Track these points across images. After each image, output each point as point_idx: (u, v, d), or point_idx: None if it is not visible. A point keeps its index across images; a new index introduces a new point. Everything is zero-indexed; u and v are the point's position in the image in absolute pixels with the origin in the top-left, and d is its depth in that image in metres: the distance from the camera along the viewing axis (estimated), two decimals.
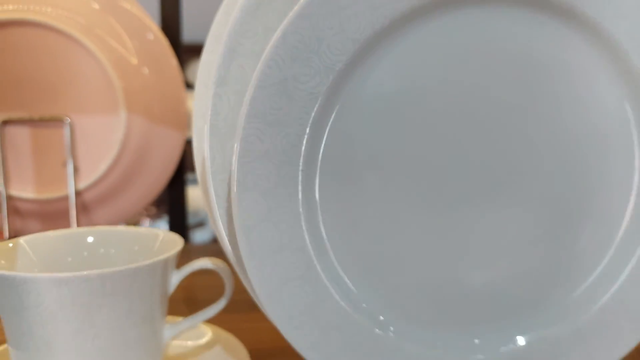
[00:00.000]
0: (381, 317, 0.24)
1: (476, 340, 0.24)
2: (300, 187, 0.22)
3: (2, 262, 0.23)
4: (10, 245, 0.26)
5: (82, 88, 0.51)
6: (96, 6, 0.52)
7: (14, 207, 0.51)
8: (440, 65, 0.22)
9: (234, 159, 0.21)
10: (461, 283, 0.24)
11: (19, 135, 0.51)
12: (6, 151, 0.50)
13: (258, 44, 0.22)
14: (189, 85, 0.54)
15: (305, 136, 0.22)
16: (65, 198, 0.50)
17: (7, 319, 0.23)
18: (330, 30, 0.21)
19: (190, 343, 0.33)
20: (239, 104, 0.23)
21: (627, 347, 0.25)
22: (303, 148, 0.22)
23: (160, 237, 0.29)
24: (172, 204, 0.62)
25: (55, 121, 0.50)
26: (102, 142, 0.51)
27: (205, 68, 0.26)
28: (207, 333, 0.33)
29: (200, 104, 0.26)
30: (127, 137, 0.51)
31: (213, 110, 0.23)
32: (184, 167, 0.61)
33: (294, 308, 0.22)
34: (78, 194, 0.51)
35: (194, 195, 0.76)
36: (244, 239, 0.22)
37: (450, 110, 0.23)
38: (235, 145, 0.21)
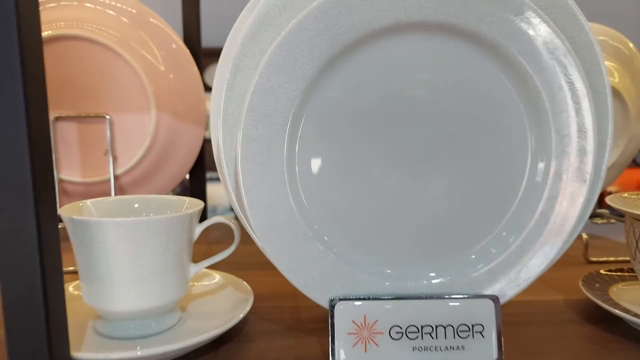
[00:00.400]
0: (325, 238, 0.33)
1: (410, 274, 0.34)
2: (285, 161, 0.32)
3: (75, 215, 0.34)
4: (80, 204, 0.37)
5: (120, 90, 0.61)
6: (128, 22, 0.62)
7: (63, 189, 0.62)
8: (378, 75, 0.32)
9: (239, 141, 0.31)
10: (402, 227, 0.34)
11: (68, 130, 0.61)
12: (57, 143, 0.60)
13: (255, 61, 0.32)
14: (208, 88, 0.65)
15: (288, 124, 0.32)
16: (106, 181, 0.61)
17: (81, 255, 0.33)
18: (302, 52, 0.30)
19: (207, 283, 0.43)
20: (242, 103, 0.33)
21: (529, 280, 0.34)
22: (286, 133, 0.32)
23: (186, 202, 0.39)
24: (193, 191, 0.73)
25: (97, 118, 0.61)
26: (136, 136, 0.62)
27: (218, 78, 0.36)
28: (220, 278, 0.44)
29: (215, 104, 0.36)
30: (157, 132, 0.61)
31: (224, 108, 0.33)
32: (204, 159, 0.72)
33: (281, 245, 0.32)
34: (116, 178, 0.61)
35: (211, 193, 0.86)
36: (246, 196, 0.32)
37: (387, 107, 0.33)
38: (239, 132, 0.31)
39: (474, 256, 0.34)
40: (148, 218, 0.32)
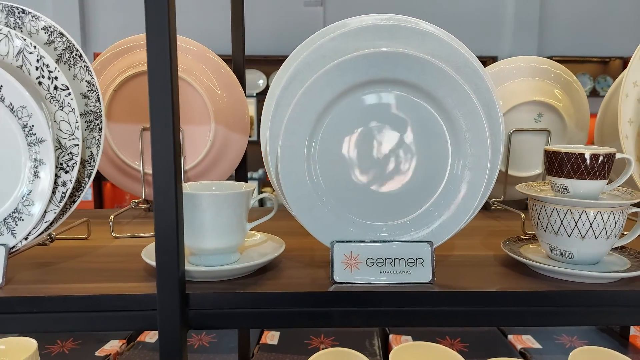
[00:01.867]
0: (330, 206, 0.56)
1: (384, 228, 0.56)
2: (305, 157, 0.55)
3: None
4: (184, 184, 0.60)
5: (188, 109, 0.85)
6: (191, 57, 0.86)
7: (148, 180, 0.86)
8: (360, 113, 0.54)
9: (278, 148, 0.54)
10: (376, 200, 0.56)
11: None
12: (144, 146, 0.84)
13: (288, 99, 0.55)
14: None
15: (307, 137, 0.55)
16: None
17: (187, 214, 0.56)
18: (312, 99, 0.53)
19: (254, 239, 0.66)
20: (280, 125, 0.56)
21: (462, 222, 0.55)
22: (306, 142, 0.55)
23: (244, 185, 0.62)
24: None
25: None
26: (200, 142, 0.85)
27: (265, 109, 0.59)
28: (262, 235, 0.67)
29: (264, 125, 0.59)
30: (214, 139, 0.85)
31: (270, 127, 0.56)
32: (246, 162, 0.95)
33: (303, 209, 0.55)
34: (185, 172, 0.85)
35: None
36: (282, 179, 0.54)
37: (368, 132, 0.55)
38: (279, 142, 0.54)
39: (409, 222, 0.56)
40: (227, 192, 0.55)
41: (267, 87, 3.78)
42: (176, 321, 0.49)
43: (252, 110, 3.68)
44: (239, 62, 0.96)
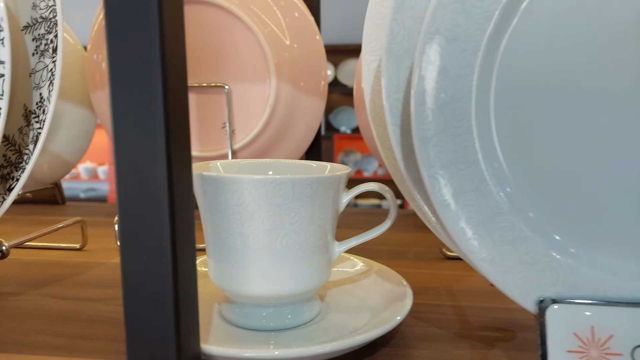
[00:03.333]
0: (557, 237, 0.24)
1: None
2: (473, 102, 0.23)
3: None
4: (210, 165, 0.31)
5: (240, 59, 0.56)
6: None
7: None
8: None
9: (414, 74, 0.23)
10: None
11: (189, 100, 0.57)
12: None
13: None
14: None
15: (480, 52, 0.23)
16: (223, 156, 0.56)
17: (210, 223, 0.27)
18: None
19: (347, 270, 0.35)
20: (413, 29, 0.25)
21: None
22: (478, 63, 0.23)
23: (328, 167, 0.31)
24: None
25: (216, 88, 0.56)
26: (255, 108, 0.56)
27: (372, 9, 0.28)
28: (362, 263, 0.36)
29: (368, 40, 0.28)
30: (276, 104, 0.55)
31: (390, 35, 0.25)
32: (320, 143, 0.65)
33: (468, 220, 0.23)
34: (233, 153, 0.56)
35: None
36: (423, 149, 0.23)
37: (616, 28, 0.22)
38: (414, 62, 0.23)
39: None
40: (293, 177, 0.25)
41: (335, 78, 3.49)
42: None
43: None
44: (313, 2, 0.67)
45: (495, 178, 0.24)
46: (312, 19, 0.58)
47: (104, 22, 0.19)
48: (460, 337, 0.28)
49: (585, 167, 0.23)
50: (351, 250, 0.37)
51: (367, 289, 0.32)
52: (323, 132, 2.86)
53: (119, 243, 0.20)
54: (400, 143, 0.25)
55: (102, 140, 2.65)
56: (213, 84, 0.56)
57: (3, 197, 0.29)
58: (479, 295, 0.34)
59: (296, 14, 0.58)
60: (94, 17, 0.59)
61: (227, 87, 0.56)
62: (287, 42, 0.57)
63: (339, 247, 0.29)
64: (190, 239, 0.21)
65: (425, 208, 0.26)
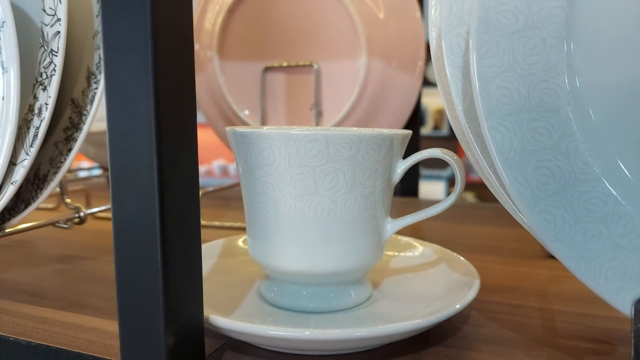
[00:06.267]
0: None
1: None
2: (553, 34, 0.18)
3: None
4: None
5: (329, 35, 0.53)
6: None
7: None
8: None
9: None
10: None
11: (276, 80, 0.56)
12: (266, 93, 0.56)
13: None
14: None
15: None
16: None
17: (246, 183, 0.25)
18: None
19: (410, 254, 0.31)
20: None
21: None
22: None
23: (391, 132, 0.27)
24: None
25: (305, 67, 0.54)
26: (344, 86, 0.53)
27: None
28: (427, 249, 0.31)
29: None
30: (366, 81, 0.52)
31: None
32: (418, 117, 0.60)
33: (542, 186, 0.18)
34: None
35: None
36: (484, 93, 0.18)
37: None
38: None
39: None
40: (328, 132, 0.21)
41: None
42: None
43: None
44: None
45: (584, 132, 0.18)
46: None
47: None
48: (539, 344, 0.22)
49: None
50: (431, 241, 0.32)
51: (432, 278, 0.27)
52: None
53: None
54: (462, 90, 0.20)
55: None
56: (302, 63, 0.54)
57: (65, 158, 0.30)
58: (578, 300, 0.27)
59: None
60: None
61: (316, 65, 0.54)
62: (381, 17, 0.53)
63: (392, 225, 0.25)
64: (190, 191, 0.18)
65: (489, 171, 0.20)
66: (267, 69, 0.56)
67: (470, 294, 0.23)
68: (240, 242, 0.33)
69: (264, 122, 0.56)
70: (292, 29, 0.54)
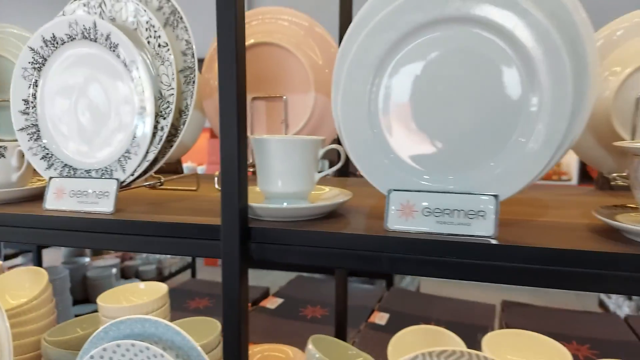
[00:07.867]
0: (391, 155, 0.54)
1: (450, 177, 0.53)
2: (367, 101, 0.55)
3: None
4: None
5: (292, 79, 0.90)
6: (302, 32, 0.90)
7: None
8: (432, 55, 0.52)
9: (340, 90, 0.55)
10: (437, 148, 0.53)
11: (259, 106, 0.92)
12: (252, 114, 0.92)
13: (352, 44, 0.55)
14: None
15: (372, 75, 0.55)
16: None
17: (259, 159, 0.60)
18: (380, 38, 0.53)
19: (325, 192, 0.68)
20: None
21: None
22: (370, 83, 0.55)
23: (319, 139, 0.64)
24: None
25: (277, 97, 0.90)
26: (301, 110, 0.90)
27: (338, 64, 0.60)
28: (335, 190, 0.68)
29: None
30: (315, 107, 0.88)
31: (336, 71, 0.57)
32: None
33: (361, 156, 0.55)
34: None
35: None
36: (343, 124, 0.55)
37: (438, 76, 0.53)
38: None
39: (475, 172, 0.52)
40: (295, 138, 0.58)
41: None
42: (236, 250, 0.54)
43: None
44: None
45: (374, 131, 0.55)
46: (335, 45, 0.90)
47: (215, 54, 0.53)
48: (371, 217, 0.59)
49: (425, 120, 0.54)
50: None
51: (332, 196, 0.64)
52: None
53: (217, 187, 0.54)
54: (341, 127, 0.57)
55: (201, 143, 3.15)
56: (275, 95, 0.90)
57: (167, 151, 0.65)
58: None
59: (332, 50, 0.90)
60: (210, 45, 0.96)
61: (284, 97, 0.90)
62: (320, 63, 0.90)
63: (317, 175, 0.62)
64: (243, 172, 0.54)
65: None
66: (254, 99, 0.92)
67: (348, 197, 0.60)
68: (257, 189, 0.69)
69: (252, 130, 0.92)
70: (269, 73, 0.90)
